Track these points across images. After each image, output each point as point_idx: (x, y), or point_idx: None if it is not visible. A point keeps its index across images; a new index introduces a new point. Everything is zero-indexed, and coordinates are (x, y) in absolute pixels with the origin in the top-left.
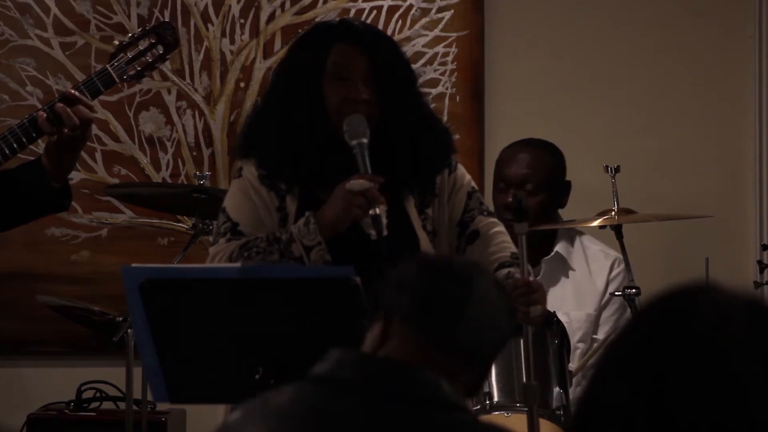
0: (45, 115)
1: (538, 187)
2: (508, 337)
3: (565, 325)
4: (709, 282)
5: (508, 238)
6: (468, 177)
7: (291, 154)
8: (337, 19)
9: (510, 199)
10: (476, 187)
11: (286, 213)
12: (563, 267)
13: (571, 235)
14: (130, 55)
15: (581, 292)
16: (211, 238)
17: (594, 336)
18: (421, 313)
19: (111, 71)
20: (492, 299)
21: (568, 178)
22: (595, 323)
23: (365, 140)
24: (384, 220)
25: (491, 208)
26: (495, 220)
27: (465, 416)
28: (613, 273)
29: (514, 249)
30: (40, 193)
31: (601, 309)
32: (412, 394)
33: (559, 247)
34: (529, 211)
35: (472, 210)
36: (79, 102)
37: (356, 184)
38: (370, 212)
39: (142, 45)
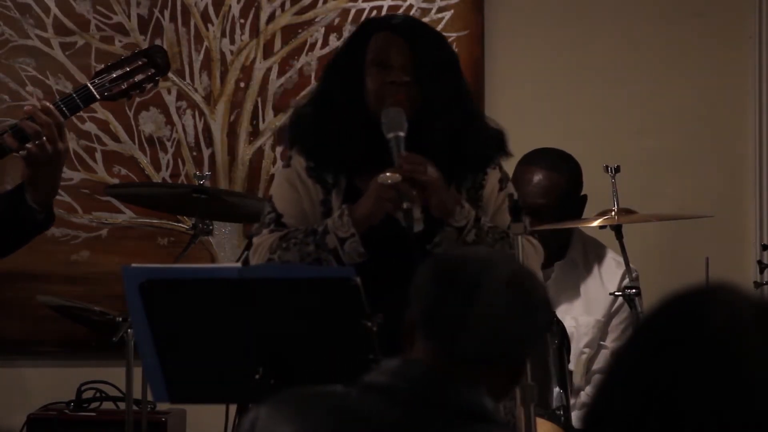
0: (10, 133)
1: (554, 211)
2: (529, 337)
3: (573, 329)
4: (718, 284)
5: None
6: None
7: (332, 142)
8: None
9: None
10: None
11: (330, 207)
12: (575, 272)
13: (586, 241)
14: (115, 74)
15: (591, 298)
16: (212, 239)
17: (601, 342)
18: (427, 322)
19: (91, 88)
20: (501, 303)
21: None
22: (603, 330)
23: (402, 133)
24: (416, 216)
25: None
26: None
27: (501, 430)
28: (625, 282)
29: None
30: (20, 214)
31: (610, 316)
32: (450, 403)
33: (573, 252)
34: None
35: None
36: (46, 113)
37: (387, 177)
38: (404, 206)
39: (130, 66)
